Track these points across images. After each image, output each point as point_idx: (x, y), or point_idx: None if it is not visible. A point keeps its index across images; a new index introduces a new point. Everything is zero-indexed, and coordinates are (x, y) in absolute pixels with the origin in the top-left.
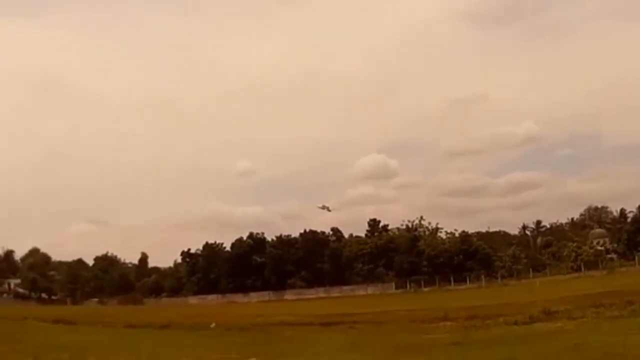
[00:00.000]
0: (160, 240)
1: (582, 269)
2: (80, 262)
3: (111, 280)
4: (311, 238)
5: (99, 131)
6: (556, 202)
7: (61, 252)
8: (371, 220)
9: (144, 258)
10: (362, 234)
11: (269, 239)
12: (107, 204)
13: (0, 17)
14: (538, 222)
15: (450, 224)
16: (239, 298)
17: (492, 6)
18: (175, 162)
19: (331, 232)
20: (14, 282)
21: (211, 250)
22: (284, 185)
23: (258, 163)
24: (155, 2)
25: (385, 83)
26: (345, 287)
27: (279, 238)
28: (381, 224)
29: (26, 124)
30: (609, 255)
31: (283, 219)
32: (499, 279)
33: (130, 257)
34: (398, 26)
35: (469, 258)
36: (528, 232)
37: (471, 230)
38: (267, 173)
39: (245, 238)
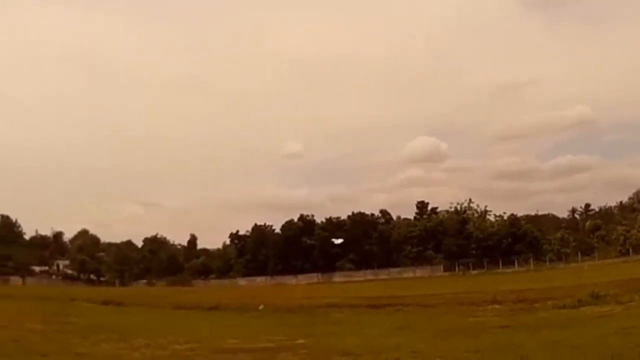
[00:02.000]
0: (209, 222)
1: (631, 252)
2: (129, 244)
3: (160, 262)
4: (360, 220)
5: (149, 112)
6: (605, 186)
7: (110, 233)
8: (419, 202)
9: (192, 240)
10: (411, 217)
11: (318, 221)
12: (157, 186)
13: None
14: (587, 206)
15: (499, 207)
16: (288, 280)
17: None
18: (225, 143)
19: (380, 215)
20: (62, 263)
21: (260, 232)
22: (333, 168)
23: (307, 145)
24: None
25: (436, 66)
26: (393, 270)
27: (328, 220)
28: (430, 207)
29: (76, 105)
30: None
31: (332, 201)
32: (547, 262)
33: (179, 238)
34: (449, 8)
35: (517, 241)
36: (577, 216)
37: (520, 213)
38: (316, 155)
39: (295, 220)
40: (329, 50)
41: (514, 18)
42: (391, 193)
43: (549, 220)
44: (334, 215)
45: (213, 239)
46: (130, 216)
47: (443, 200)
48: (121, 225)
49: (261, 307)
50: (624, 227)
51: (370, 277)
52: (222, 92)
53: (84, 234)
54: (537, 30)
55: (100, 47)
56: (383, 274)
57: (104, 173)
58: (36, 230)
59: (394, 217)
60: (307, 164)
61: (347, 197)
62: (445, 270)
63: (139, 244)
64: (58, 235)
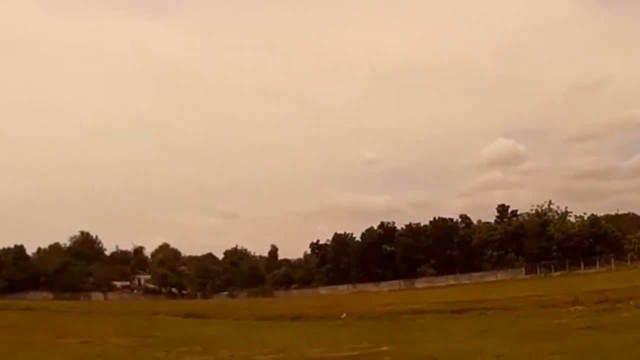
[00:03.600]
0: (290, 232)
1: None
2: (210, 256)
3: (241, 274)
4: (440, 226)
5: (228, 123)
6: None
7: (191, 246)
8: (500, 205)
9: (273, 250)
10: (491, 220)
11: (398, 227)
12: (237, 197)
13: (122, 15)
14: None
15: (579, 207)
16: (370, 287)
17: None
18: (303, 152)
19: (460, 219)
20: (144, 277)
21: (341, 240)
22: (412, 174)
23: (386, 151)
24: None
25: (510, 68)
26: (475, 274)
27: (409, 226)
28: (510, 210)
29: (154, 120)
30: None
31: (412, 207)
32: (629, 262)
33: (259, 249)
34: (521, 11)
35: (598, 241)
36: None
37: (600, 213)
38: (395, 161)
39: (375, 227)
40: (405, 58)
41: (586, 17)
42: (471, 197)
43: (629, 220)
44: (414, 222)
45: (294, 249)
46: (210, 228)
47: (522, 202)
48: (201, 237)
49: (344, 315)
50: None
51: (452, 282)
52: (300, 101)
53: (164, 248)
54: (610, 28)
55: (176, 61)
56: (465, 279)
57: (183, 186)
58: (117, 246)
59: (474, 221)
60: (387, 171)
61: (427, 203)
62: (527, 273)
63: (220, 256)
64: (139, 250)
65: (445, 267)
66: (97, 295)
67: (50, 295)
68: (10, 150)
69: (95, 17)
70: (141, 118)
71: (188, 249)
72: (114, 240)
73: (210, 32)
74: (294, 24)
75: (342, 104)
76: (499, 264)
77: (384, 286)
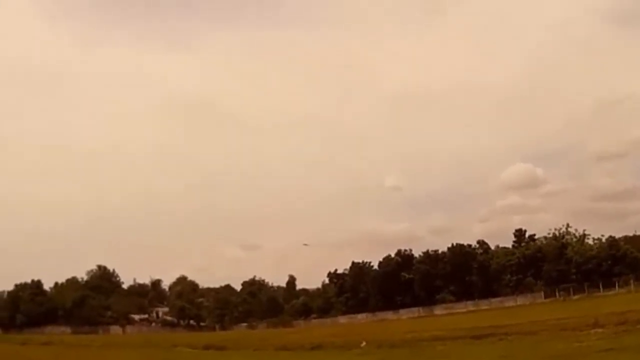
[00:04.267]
0: (308, 262)
1: None
2: (228, 288)
3: (259, 304)
4: (458, 252)
5: (247, 154)
6: None
7: (208, 278)
8: (517, 230)
9: (291, 280)
10: (509, 245)
11: (416, 254)
12: (256, 228)
13: (151, 47)
14: None
15: (600, 228)
16: (389, 315)
17: (634, 3)
18: (324, 180)
19: (478, 245)
20: (162, 310)
21: (358, 269)
22: (431, 200)
23: (405, 178)
24: (302, 20)
25: (527, 90)
26: (494, 299)
27: (426, 253)
28: (527, 234)
29: (179, 150)
30: None
31: (431, 234)
32: None
33: (277, 280)
34: (537, 32)
35: (617, 263)
36: None
37: (619, 234)
38: (414, 188)
39: (393, 255)
40: (426, 83)
41: (606, 35)
42: (490, 222)
43: None
44: (432, 248)
45: (312, 279)
46: (227, 260)
47: (541, 226)
48: (219, 269)
49: (364, 344)
50: None
51: (471, 308)
52: (322, 128)
53: (182, 280)
54: (631, 45)
55: (198, 92)
56: (484, 304)
57: (201, 218)
58: (134, 279)
59: (492, 246)
60: (408, 197)
61: (446, 229)
62: (546, 297)
63: (238, 287)
64: (156, 283)
65: (465, 293)
66: (115, 329)
67: (68, 330)
68: (26, 185)
69: (116, 49)
70: (160, 150)
71: (206, 280)
72: (131, 273)
73: (230, 61)
74: (316, 50)
75: (364, 130)
76: (518, 289)
77: (403, 313)
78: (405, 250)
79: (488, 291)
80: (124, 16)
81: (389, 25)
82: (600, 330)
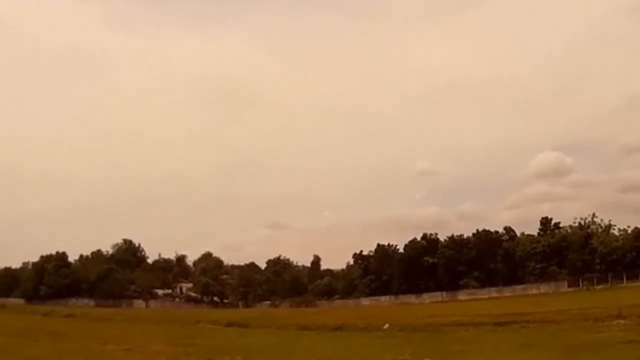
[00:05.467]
0: (335, 243)
1: None
2: (252, 266)
3: (283, 283)
4: (484, 238)
5: (279, 137)
6: None
7: (234, 256)
8: (543, 218)
9: (316, 260)
10: (535, 233)
11: (442, 239)
12: (283, 209)
13: (184, 28)
14: None
15: (626, 220)
16: (412, 299)
17: None
18: (355, 165)
19: (504, 232)
20: (185, 286)
21: (383, 251)
22: (461, 187)
23: (436, 165)
24: (335, 8)
25: (558, 82)
26: (517, 287)
27: (451, 238)
28: (553, 222)
29: (209, 131)
30: None
31: (459, 220)
32: None
33: (302, 260)
34: (569, 23)
35: None
36: None
37: None
38: (444, 174)
39: (418, 239)
40: (456, 72)
41: (634, 28)
42: (518, 209)
43: None
44: (458, 233)
45: (337, 260)
46: (255, 239)
47: (568, 215)
48: (245, 247)
49: (386, 326)
50: None
51: (494, 294)
52: (354, 114)
53: (207, 256)
54: None
55: (231, 74)
56: (507, 291)
57: (231, 197)
58: (159, 254)
59: (518, 234)
60: (437, 183)
61: (475, 215)
62: (569, 286)
63: (263, 265)
64: (181, 259)
65: (488, 280)
66: (138, 303)
67: (92, 302)
68: (59, 160)
69: (155, 32)
70: (191, 129)
71: (231, 258)
72: (156, 248)
73: (268, 48)
74: (350, 40)
75: (394, 117)
76: (542, 277)
77: (426, 298)
78: (431, 235)
79: (512, 278)
80: None
81: (422, 15)
82: (622, 321)
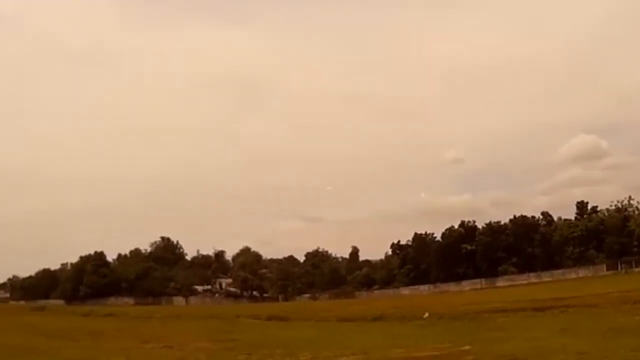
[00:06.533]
0: (372, 234)
1: None
2: (291, 259)
3: (322, 276)
4: (521, 224)
5: (309, 128)
6: None
7: (272, 250)
8: (579, 202)
9: (354, 252)
10: (571, 217)
11: (479, 226)
12: (319, 201)
13: (200, 23)
14: None
15: None
16: (451, 287)
17: None
18: (385, 154)
19: (541, 217)
20: (225, 281)
21: (421, 240)
22: (494, 172)
23: (466, 151)
24: None
25: (589, 63)
26: (556, 272)
27: (489, 225)
28: (590, 206)
29: (241, 126)
30: None
31: (492, 206)
32: None
33: (340, 251)
34: (601, 4)
35: None
36: None
37: None
38: (475, 161)
39: (455, 227)
40: (485, 56)
41: None
42: (552, 194)
43: None
44: (495, 220)
45: (375, 250)
46: (291, 232)
47: (603, 198)
48: (283, 241)
49: (426, 315)
50: None
51: (533, 280)
52: (382, 103)
53: (246, 251)
54: None
55: (258, 67)
56: (546, 276)
57: (265, 191)
58: (197, 251)
59: (555, 219)
60: (469, 170)
61: (508, 201)
62: (608, 270)
63: (301, 258)
64: (220, 254)
65: (526, 265)
66: (178, 300)
67: (131, 301)
68: (91, 160)
69: (172, 25)
70: (226, 124)
71: (269, 252)
72: (194, 245)
73: (288, 37)
74: (372, 27)
75: (424, 104)
76: (580, 261)
77: (465, 285)
78: (469, 222)
79: (550, 263)
80: None
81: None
82: None
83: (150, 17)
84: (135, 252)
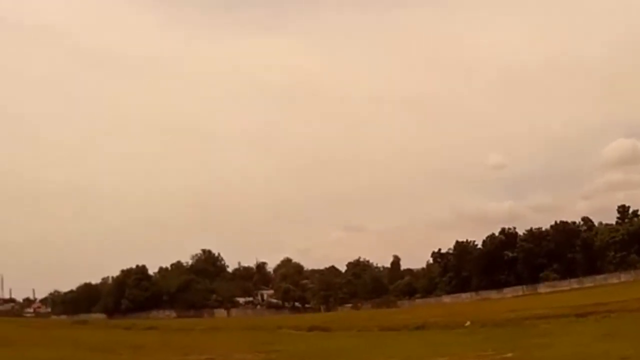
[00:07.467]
0: (412, 242)
1: None
2: (332, 269)
3: (364, 285)
4: (562, 229)
5: (351, 135)
6: None
7: (313, 260)
8: (620, 206)
9: (396, 261)
10: (613, 222)
11: (520, 233)
12: (360, 210)
13: (250, 31)
14: None
15: None
16: (493, 294)
17: None
18: (424, 160)
19: (582, 222)
20: (266, 293)
21: (462, 248)
22: (533, 177)
23: (508, 156)
24: (400, 3)
25: (630, 66)
26: (598, 277)
27: (530, 231)
28: (631, 210)
29: (279, 135)
30: None
31: (534, 212)
32: None
33: (381, 260)
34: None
35: None
36: None
37: None
38: (517, 166)
39: (496, 234)
40: (527, 60)
41: None
42: (593, 199)
43: None
44: (536, 226)
45: (416, 259)
46: (331, 242)
47: None
48: (323, 251)
49: (468, 323)
50: None
51: (575, 285)
52: (424, 107)
53: (287, 262)
54: None
55: (299, 74)
56: (588, 282)
57: (305, 200)
58: (239, 262)
59: (596, 224)
60: (510, 176)
61: (549, 207)
62: None
63: (342, 268)
64: (261, 266)
65: (568, 271)
66: (220, 312)
67: (173, 314)
68: (132, 174)
69: (213, 33)
70: (264, 133)
71: (310, 262)
72: (236, 257)
73: (331, 42)
74: (416, 29)
75: (466, 109)
76: (622, 266)
77: (507, 292)
78: (510, 229)
79: (592, 268)
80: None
81: (488, 2)
82: None
83: (191, 26)
84: (177, 265)
